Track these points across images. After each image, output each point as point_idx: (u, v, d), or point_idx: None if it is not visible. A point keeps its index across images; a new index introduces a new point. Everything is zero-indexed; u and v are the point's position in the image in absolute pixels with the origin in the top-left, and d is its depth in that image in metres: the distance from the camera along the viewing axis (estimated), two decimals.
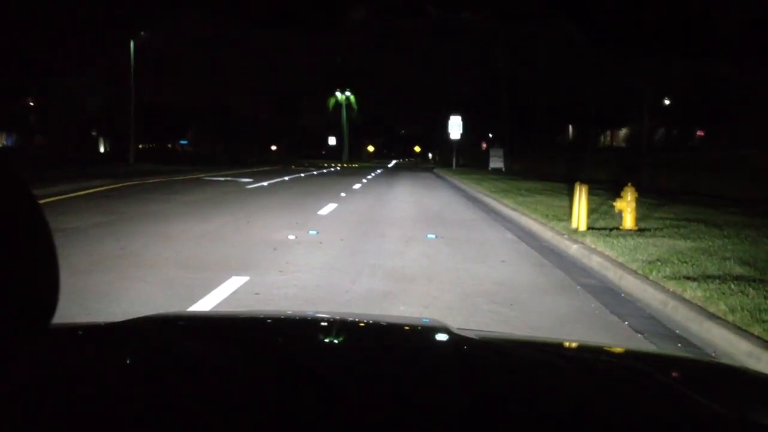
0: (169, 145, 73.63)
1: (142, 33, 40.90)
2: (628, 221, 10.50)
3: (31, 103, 54.39)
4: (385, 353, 1.55)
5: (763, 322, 4.99)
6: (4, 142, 56.92)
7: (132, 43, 40.05)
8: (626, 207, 10.51)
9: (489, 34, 49.76)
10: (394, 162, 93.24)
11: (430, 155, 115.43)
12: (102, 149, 62.17)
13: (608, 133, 54.16)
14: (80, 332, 1.63)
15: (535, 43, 45.25)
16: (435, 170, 48.09)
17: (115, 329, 1.60)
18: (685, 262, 7.58)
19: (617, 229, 10.40)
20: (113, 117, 49.77)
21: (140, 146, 53.99)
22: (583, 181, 10.99)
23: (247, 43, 62.57)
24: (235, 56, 62.82)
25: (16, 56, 38.94)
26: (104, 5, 41.22)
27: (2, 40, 36.52)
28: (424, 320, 3.67)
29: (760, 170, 19.84)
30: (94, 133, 61.55)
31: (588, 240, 9.35)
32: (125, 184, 22.25)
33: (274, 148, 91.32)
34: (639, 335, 5.21)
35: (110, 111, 50.40)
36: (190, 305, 5.79)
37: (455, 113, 53.83)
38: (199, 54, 57.33)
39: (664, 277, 6.74)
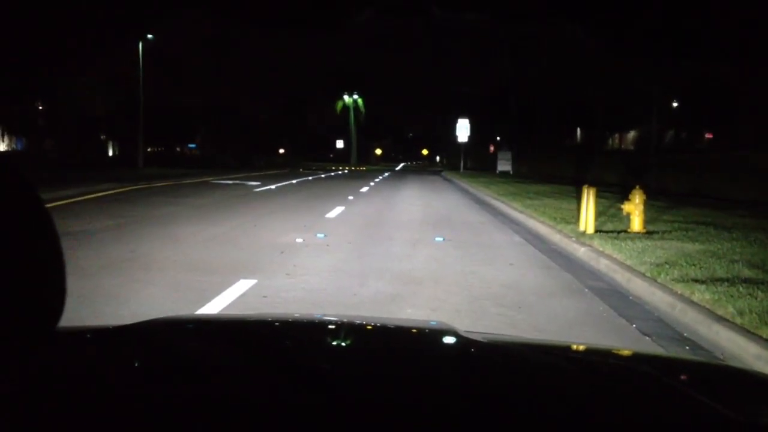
0: (178, 149, 73.89)
1: (150, 36, 40.99)
2: (636, 224, 10.47)
3: (40, 107, 54.63)
4: (393, 356, 1.56)
5: None
6: (14, 146, 57.19)
7: (140, 46, 40.17)
8: (634, 210, 10.48)
9: (494, 35, 49.79)
10: (401, 165, 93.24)
11: (437, 158, 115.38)
12: (111, 153, 62.42)
13: (616, 135, 54.06)
14: (89, 335, 1.64)
15: (540, 44, 45.22)
16: (443, 173, 48.04)
17: (123, 332, 1.61)
18: (694, 264, 7.56)
19: (625, 231, 10.37)
20: (122, 120, 49.94)
21: (149, 150, 54.17)
22: (590, 184, 10.97)
23: (251, 44, 62.78)
24: (239, 58, 63.04)
25: (22, 59, 39.13)
26: (109, 7, 41.37)
27: (8, 43, 36.70)
28: (432, 323, 3.67)
29: (765, 171, 19.78)
30: (103, 137, 61.81)
31: (596, 243, 9.33)
32: (134, 187, 22.33)
33: (281, 151, 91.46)
34: (647, 338, 5.20)
35: (119, 114, 50.58)
36: (199, 308, 5.80)
37: (462, 115, 53.77)
38: (204, 56, 57.52)
39: (673, 280, 6.72)
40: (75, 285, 6.31)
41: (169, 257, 8.37)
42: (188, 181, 27.73)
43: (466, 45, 60.47)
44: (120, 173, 30.25)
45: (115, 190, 20.50)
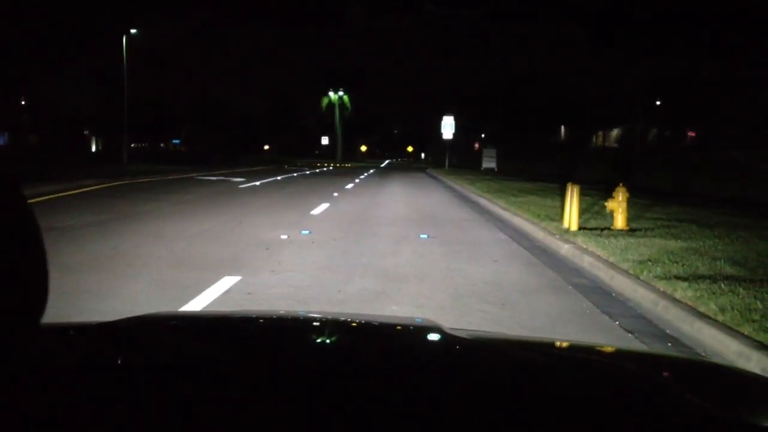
0: (162, 145, 73.46)
1: (134, 31, 40.72)
2: (620, 221, 10.53)
3: (23, 102, 54.11)
4: (378, 353, 1.56)
5: (753, 321, 5.02)
6: None
7: (124, 40, 39.89)
8: (617, 207, 10.54)
9: (482, 33, 49.86)
10: (387, 162, 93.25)
11: (422, 155, 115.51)
12: (94, 148, 61.95)
13: (600, 133, 54.31)
14: (71, 332, 1.63)
15: (530, 42, 45.31)
16: (428, 170, 48.10)
17: (106, 329, 1.60)
18: (676, 262, 7.61)
19: (609, 229, 10.43)
20: (106, 116, 49.60)
21: (132, 145, 53.80)
22: (575, 181, 11.02)
23: (238, 40, 62.62)
24: (226, 54, 62.88)
25: (5, 54, 38.72)
26: (94, 1, 41.04)
27: None
28: (417, 320, 3.68)
29: (747, 169, 19.97)
30: (86, 132, 61.32)
31: (579, 240, 9.37)
32: (117, 183, 22.19)
33: (266, 147, 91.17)
34: (630, 335, 5.23)
35: (103, 109, 50.22)
36: (182, 305, 5.78)
37: (448, 113, 53.88)
38: (190, 51, 57.31)
39: (655, 277, 6.76)
40: (58, 281, 6.25)
41: (152, 254, 8.33)
42: (172, 177, 27.59)
43: (453, 43, 60.65)
44: (104, 169, 30.04)
45: (99, 186, 20.35)
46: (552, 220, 11.74)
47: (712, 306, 5.52)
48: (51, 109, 48.48)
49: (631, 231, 10.29)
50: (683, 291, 6.10)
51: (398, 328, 2.02)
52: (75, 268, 7.17)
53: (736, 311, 5.32)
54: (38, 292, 0.83)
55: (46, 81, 44.45)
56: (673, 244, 9.08)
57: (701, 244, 9.12)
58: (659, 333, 5.35)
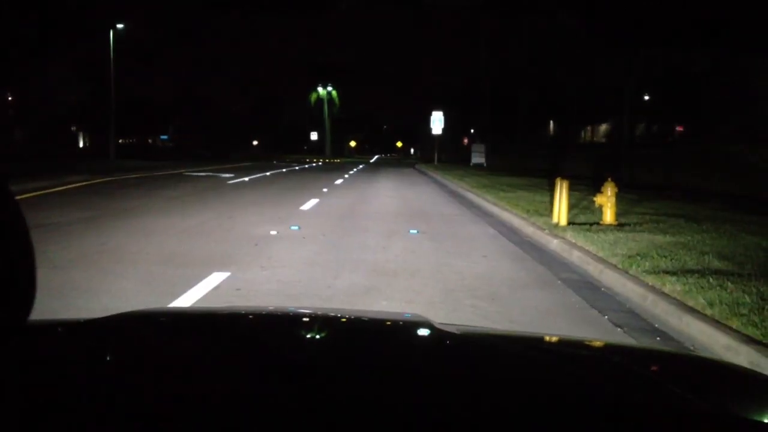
0: (150, 141, 73.17)
1: (121, 26, 40.48)
2: (608, 216, 10.57)
3: (9, 97, 53.72)
4: (368, 348, 1.56)
5: (741, 315, 5.05)
6: None
7: (111, 35, 39.64)
8: (606, 202, 10.57)
9: (471, 26, 49.87)
10: (376, 157, 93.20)
11: (412, 150, 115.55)
12: (81, 144, 61.62)
13: (588, 128, 54.48)
14: (60, 328, 1.62)
15: (516, 34, 45.35)
16: (417, 165, 48.05)
17: (95, 326, 1.59)
18: (665, 256, 7.65)
19: (597, 224, 10.46)
20: (93, 111, 49.29)
21: (120, 141, 53.60)
22: (564, 177, 11.04)
23: (226, 35, 62.42)
24: (214, 48, 62.68)
25: None
26: None
27: None
28: (407, 315, 3.68)
29: (734, 163, 20.09)
30: (73, 128, 60.97)
31: (569, 235, 9.40)
32: (105, 179, 22.08)
33: (255, 143, 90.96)
34: (619, 329, 5.25)
35: (90, 105, 49.90)
36: (171, 301, 5.76)
37: (438, 108, 53.91)
38: (177, 46, 57.09)
39: (644, 272, 6.79)
40: (45, 278, 6.22)
41: (141, 250, 8.30)
42: (161, 173, 27.48)
43: (443, 37, 60.75)
44: (91, 165, 29.86)
45: (87, 182, 20.25)
46: (541, 215, 11.76)
47: (701, 300, 5.55)
48: (37, 105, 48.12)
49: (619, 226, 10.33)
50: (672, 285, 6.13)
51: (388, 323, 2.02)
52: (63, 264, 7.14)
53: (724, 305, 5.34)
54: (26, 288, 0.82)
55: (32, 76, 44.11)
56: (661, 239, 9.11)
57: (689, 238, 9.16)
58: (648, 327, 5.37)
